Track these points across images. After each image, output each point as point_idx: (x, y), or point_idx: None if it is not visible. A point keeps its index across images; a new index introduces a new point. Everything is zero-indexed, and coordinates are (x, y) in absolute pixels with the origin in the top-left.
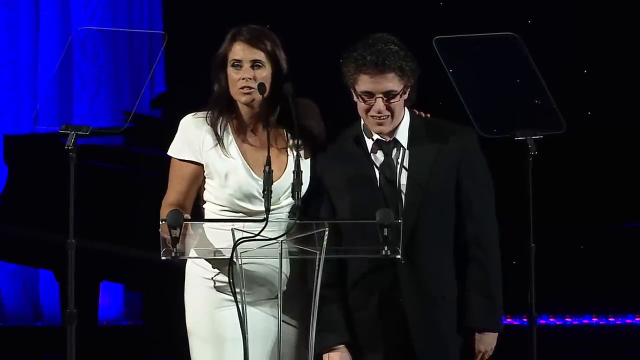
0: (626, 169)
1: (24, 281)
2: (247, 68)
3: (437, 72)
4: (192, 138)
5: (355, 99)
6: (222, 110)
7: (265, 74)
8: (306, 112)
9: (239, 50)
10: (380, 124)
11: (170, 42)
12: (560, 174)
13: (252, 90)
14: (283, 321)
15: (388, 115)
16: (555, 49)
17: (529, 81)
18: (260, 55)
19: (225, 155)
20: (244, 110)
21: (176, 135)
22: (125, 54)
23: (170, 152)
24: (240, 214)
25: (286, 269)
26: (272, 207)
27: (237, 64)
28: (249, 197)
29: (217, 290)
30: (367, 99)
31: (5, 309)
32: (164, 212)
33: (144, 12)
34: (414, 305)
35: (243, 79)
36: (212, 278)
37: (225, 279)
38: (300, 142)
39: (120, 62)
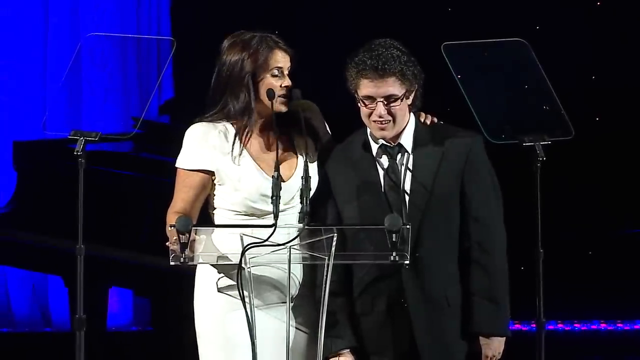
0: (635, 174)
1: (33, 287)
2: (286, 76)
3: (445, 78)
4: (202, 146)
5: (358, 103)
6: (250, 120)
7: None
8: (309, 113)
9: (281, 58)
10: (382, 129)
11: (178, 48)
12: (568, 179)
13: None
14: (295, 327)
15: (390, 120)
16: (563, 54)
17: (537, 87)
18: (289, 62)
19: (237, 160)
20: (263, 116)
21: (183, 146)
22: (134, 60)
23: (178, 164)
24: (254, 217)
25: (299, 274)
26: (285, 208)
27: (278, 72)
28: (264, 198)
29: (219, 292)
30: (368, 104)
31: (15, 314)
32: (171, 220)
33: (152, 18)
34: (418, 310)
35: (286, 87)
36: (215, 282)
37: (229, 281)
38: (307, 145)
39: (129, 68)
